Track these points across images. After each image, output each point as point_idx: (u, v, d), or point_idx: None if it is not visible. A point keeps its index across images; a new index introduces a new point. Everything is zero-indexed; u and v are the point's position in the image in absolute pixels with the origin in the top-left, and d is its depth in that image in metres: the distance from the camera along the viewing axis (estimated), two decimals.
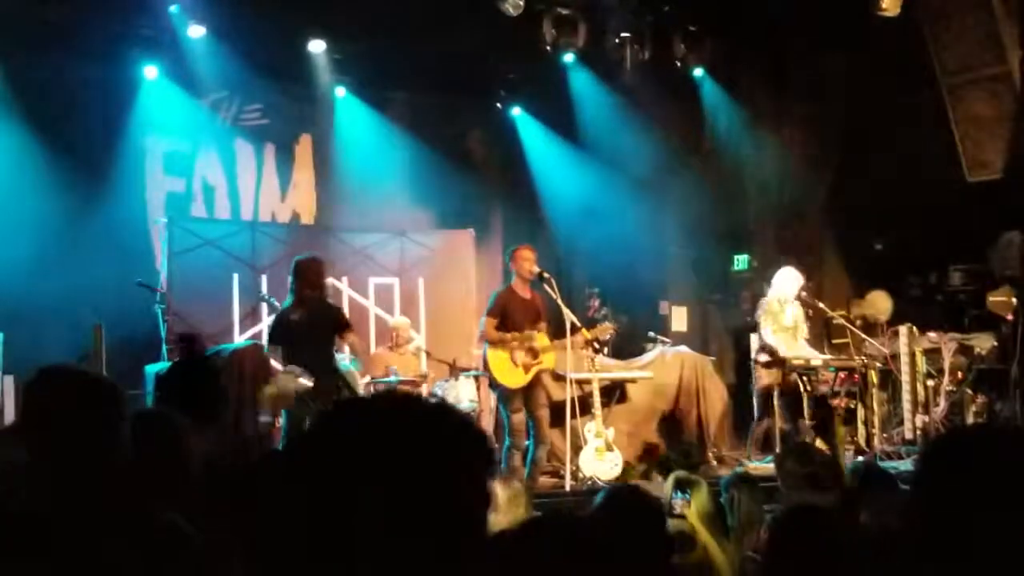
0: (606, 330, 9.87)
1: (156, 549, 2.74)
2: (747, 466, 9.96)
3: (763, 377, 10.66)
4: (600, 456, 9.83)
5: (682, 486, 4.97)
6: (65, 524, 2.67)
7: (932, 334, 11.06)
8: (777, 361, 10.47)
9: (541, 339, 9.48)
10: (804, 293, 10.70)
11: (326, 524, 1.45)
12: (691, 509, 4.84)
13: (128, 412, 3.02)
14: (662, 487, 5.69)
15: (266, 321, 11.19)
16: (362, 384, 9.95)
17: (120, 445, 2.88)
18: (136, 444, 3.11)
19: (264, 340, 10.05)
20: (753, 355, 10.91)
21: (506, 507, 4.84)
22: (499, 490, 4.87)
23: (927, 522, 1.99)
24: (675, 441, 11.21)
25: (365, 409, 1.57)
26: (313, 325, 8.77)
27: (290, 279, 9.05)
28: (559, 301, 9.45)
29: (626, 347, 11.99)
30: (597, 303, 11.57)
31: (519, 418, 9.45)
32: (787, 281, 10.67)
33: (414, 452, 1.47)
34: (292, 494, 1.50)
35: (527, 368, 9.39)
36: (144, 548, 2.73)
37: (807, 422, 10.31)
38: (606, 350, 10.70)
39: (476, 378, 10.66)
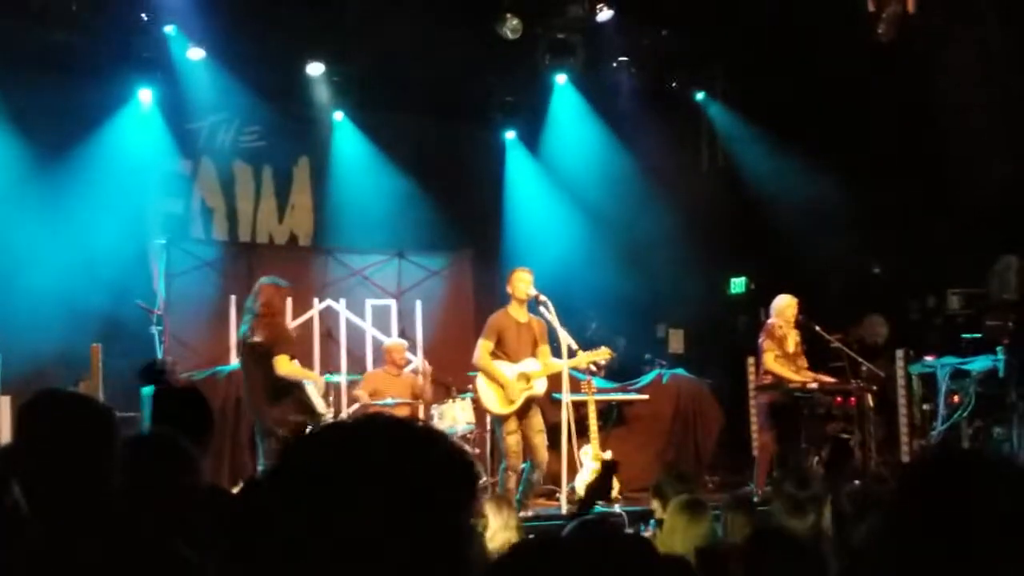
0: (604, 354, 9.84)
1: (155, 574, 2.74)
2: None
3: (763, 400, 10.66)
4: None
5: (643, 518, 4.96)
6: (61, 548, 2.67)
7: (929, 358, 11.06)
8: (776, 384, 10.49)
9: (532, 365, 9.47)
10: (802, 316, 10.72)
11: (300, 552, 1.45)
12: (685, 536, 4.82)
13: (121, 436, 3.02)
14: (656, 511, 5.69)
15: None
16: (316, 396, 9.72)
17: (114, 469, 2.88)
18: (144, 468, 3.11)
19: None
20: (753, 379, 10.91)
21: (498, 531, 4.84)
22: (491, 515, 4.87)
23: (892, 547, 2.00)
24: (671, 465, 11.19)
25: (343, 434, 1.55)
26: (271, 347, 8.73)
27: (251, 301, 8.99)
28: (556, 324, 9.46)
29: (623, 369, 11.98)
30: (594, 325, 11.57)
31: (514, 439, 9.44)
32: (786, 307, 10.69)
33: (390, 479, 1.46)
34: (267, 520, 1.49)
35: (515, 394, 9.40)
36: (143, 573, 2.73)
37: (805, 445, 10.31)
38: (602, 372, 10.68)
39: (473, 400, 10.65)
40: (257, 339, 8.75)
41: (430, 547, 1.46)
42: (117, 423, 2.97)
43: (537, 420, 9.52)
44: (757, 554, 3.74)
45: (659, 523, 5.02)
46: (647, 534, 4.81)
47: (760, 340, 10.71)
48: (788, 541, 3.85)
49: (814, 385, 10.49)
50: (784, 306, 10.69)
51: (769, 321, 10.76)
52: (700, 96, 13.64)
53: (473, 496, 1.56)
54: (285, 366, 8.76)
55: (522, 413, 9.45)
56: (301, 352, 9.55)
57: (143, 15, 11.12)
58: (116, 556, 2.69)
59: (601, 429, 10.24)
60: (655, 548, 3.17)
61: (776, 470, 10.35)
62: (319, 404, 9.01)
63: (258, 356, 8.77)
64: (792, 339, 10.67)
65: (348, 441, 1.51)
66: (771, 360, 10.55)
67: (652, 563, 2.83)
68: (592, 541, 3.30)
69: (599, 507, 9.52)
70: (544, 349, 9.55)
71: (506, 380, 9.38)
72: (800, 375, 10.60)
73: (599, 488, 4.61)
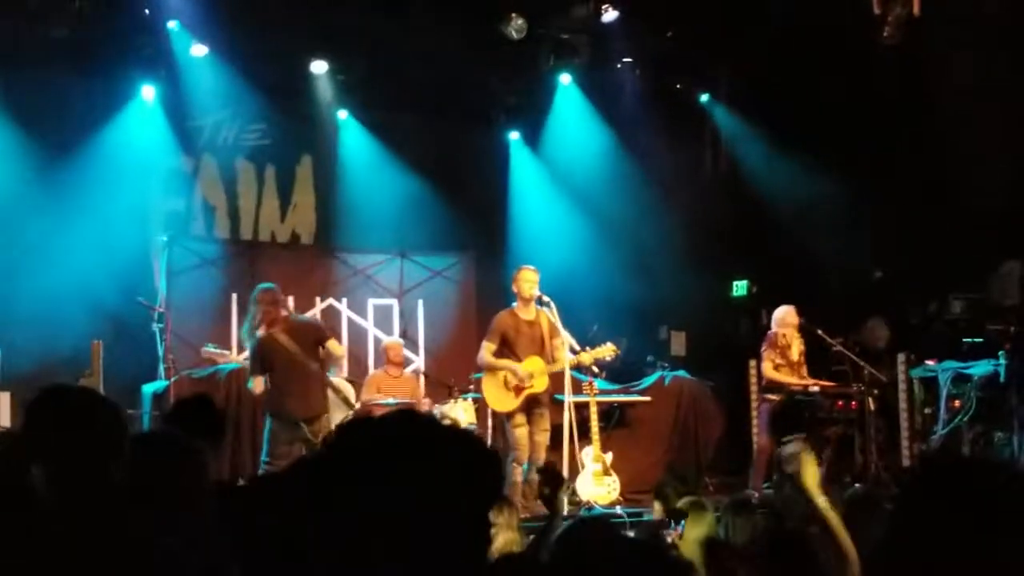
0: (609, 351, 9.82)
1: (148, 571, 2.74)
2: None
3: (765, 405, 10.66)
4: (598, 480, 9.81)
5: (676, 517, 4.94)
6: (64, 546, 2.66)
7: (930, 362, 11.06)
8: (778, 388, 10.51)
9: (535, 363, 9.46)
10: (803, 320, 10.72)
11: (329, 542, 1.45)
12: (687, 538, 4.81)
13: (129, 433, 3.01)
14: (656, 512, 5.68)
15: (242, 355, 11.16)
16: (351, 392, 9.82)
17: (121, 467, 2.88)
18: (145, 466, 3.11)
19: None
20: (754, 382, 10.91)
21: (499, 531, 4.83)
22: (493, 514, 4.86)
23: (899, 550, 2.00)
24: (672, 466, 11.18)
25: (375, 432, 1.55)
26: (300, 343, 8.70)
27: (253, 310, 8.91)
28: (559, 324, 9.46)
29: (625, 371, 11.97)
30: (596, 327, 11.55)
31: (521, 432, 9.46)
32: (787, 314, 10.69)
33: (421, 475, 1.46)
34: (301, 512, 1.50)
35: (518, 391, 9.41)
36: (135, 570, 2.72)
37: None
38: (604, 373, 10.67)
39: (475, 400, 10.65)
40: (280, 335, 8.69)
41: (456, 540, 1.45)
42: (126, 420, 2.96)
43: (543, 421, 9.54)
44: (767, 556, 3.74)
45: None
46: (675, 534, 4.80)
47: (762, 349, 10.73)
48: (798, 543, 3.85)
49: (816, 388, 10.50)
50: (784, 314, 10.70)
51: (770, 331, 10.76)
52: (704, 98, 13.64)
53: (498, 492, 1.56)
54: (338, 347, 9.14)
55: (528, 412, 9.46)
56: None
57: (146, 11, 11.12)
58: (114, 553, 2.69)
59: (602, 430, 10.22)
60: (655, 548, 3.16)
61: (775, 473, 10.36)
62: (349, 391, 9.45)
63: (310, 344, 8.75)
64: (796, 347, 10.67)
65: (380, 439, 1.50)
66: (769, 369, 10.57)
67: (650, 563, 2.82)
68: (592, 541, 3.30)
69: (599, 508, 9.58)
70: (557, 343, 9.53)
71: (512, 367, 9.38)
72: (802, 381, 10.60)
73: (548, 497, 4.65)
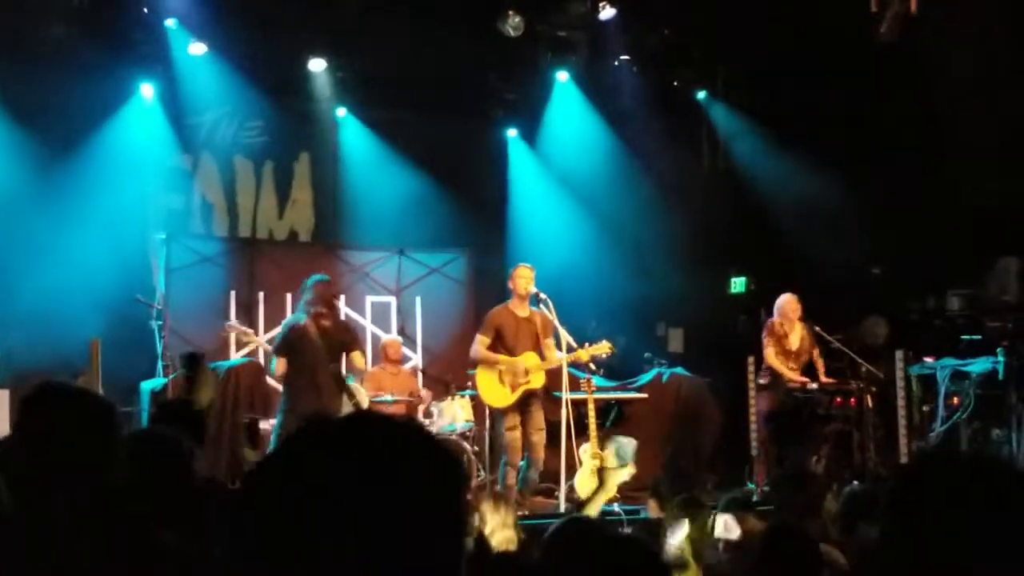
0: (604, 348, 9.82)
1: (149, 568, 2.74)
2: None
3: (763, 401, 10.68)
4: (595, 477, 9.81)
5: (673, 524, 4.93)
6: (60, 542, 2.67)
7: (929, 359, 11.06)
8: (775, 383, 10.52)
9: (530, 358, 9.46)
10: (804, 315, 10.75)
11: (279, 554, 1.41)
12: (687, 540, 4.81)
13: (124, 431, 3.01)
14: (653, 510, 5.68)
15: (263, 337, 11.19)
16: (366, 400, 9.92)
17: (117, 465, 2.88)
18: (142, 464, 3.11)
19: (264, 354, 9.98)
20: (752, 377, 10.93)
21: (496, 529, 4.83)
22: (489, 512, 4.87)
23: (895, 546, 2.00)
24: (670, 463, 11.18)
25: (328, 433, 1.51)
26: (328, 342, 8.85)
27: (307, 295, 9.09)
28: (556, 321, 9.46)
29: (623, 368, 11.96)
30: (593, 324, 11.55)
31: (514, 435, 9.44)
32: (786, 303, 10.72)
33: (375, 478, 1.43)
34: (247, 519, 1.46)
35: (514, 387, 9.40)
36: (137, 567, 2.73)
37: (805, 446, 10.32)
38: (602, 370, 10.66)
39: (472, 397, 10.65)
40: (326, 323, 8.96)
41: (417, 548, 1.43)
42: (121, 418, 2.96)
43: (538, 418, 9.52)
44: (767, 553, 3.74)
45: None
46: (679, 539, 4.79)
47: (763, 336, 10.77)
48: (798, 540, 3.86)
49: (814, 385, 10.52)
50: (783, 303, 10.76)
51: (770, 319, 10.80)
52: (702, 95, 13.64)
53: (458, 496, 1.51)
54: (361, 359, 9.46)
55: (523, 409, 9.45)
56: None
57: (144, 9, 11.13)
58: (111, 550, 2.69)
59: (600, 427, 10.22)
60: (644, 546, 3.16)
61: (773, 470, 10.36)
62: (363, 398, 9.50)
63: (337, 345, 9.09)
64: (796, 336, 10.69)
65: (333, 441, 1.48)
66: (771, 356, 10.63)
67: (639, 560, 2.82)
68: (582, 540, 3.30)
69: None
70: (549, 343, 9.54)
71: (506, 362, 9.39)
72: (796, 373, 10.61)
73: (599, 470, 4.72)
